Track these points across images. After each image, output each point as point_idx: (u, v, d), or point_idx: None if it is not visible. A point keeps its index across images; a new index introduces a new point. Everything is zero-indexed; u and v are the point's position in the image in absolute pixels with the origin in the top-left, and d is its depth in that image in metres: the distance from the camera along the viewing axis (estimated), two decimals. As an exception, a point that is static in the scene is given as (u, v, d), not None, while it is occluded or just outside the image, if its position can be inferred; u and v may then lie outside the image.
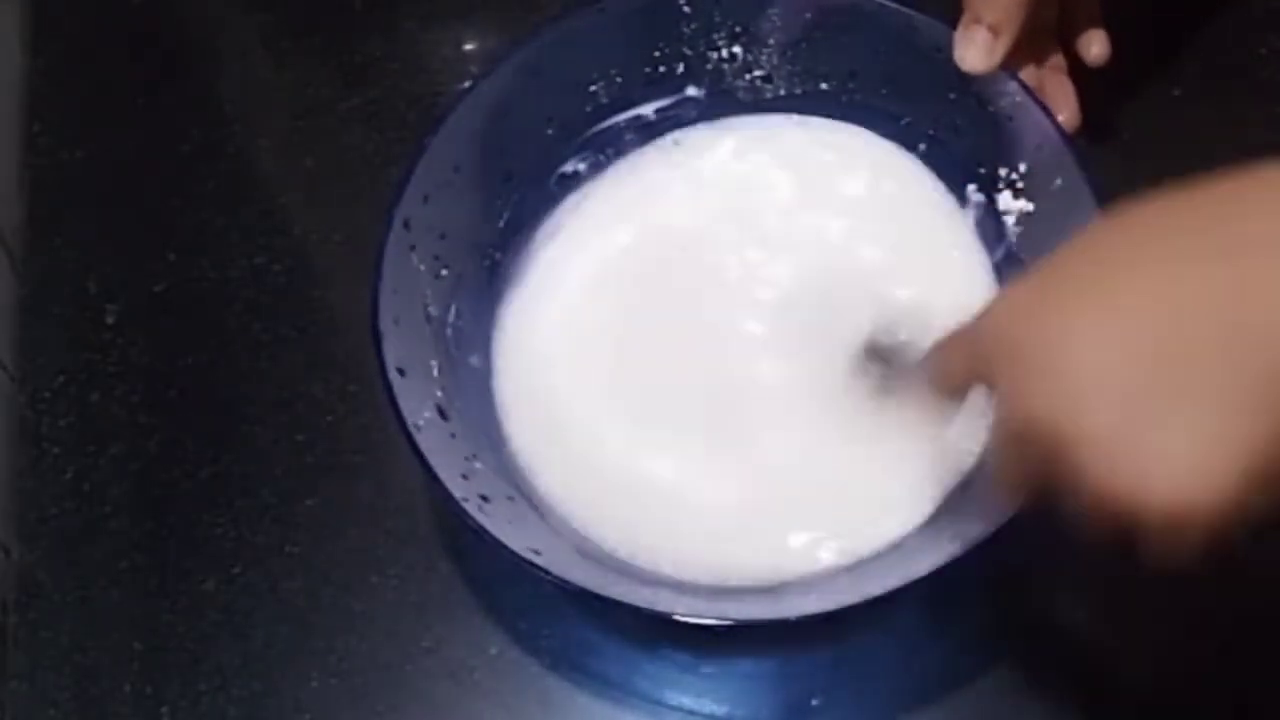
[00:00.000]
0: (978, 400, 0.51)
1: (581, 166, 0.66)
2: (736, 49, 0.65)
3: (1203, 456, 0.41)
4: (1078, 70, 0.65)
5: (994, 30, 0.59)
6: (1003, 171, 0.62)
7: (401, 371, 0.56)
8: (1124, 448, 0.41)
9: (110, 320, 0.68)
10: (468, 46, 0.75)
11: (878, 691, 0.59)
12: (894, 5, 0.62)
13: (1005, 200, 0.62)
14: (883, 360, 0.57)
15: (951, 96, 0.62)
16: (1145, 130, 0.69)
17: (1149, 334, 0.42)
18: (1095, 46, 0.65)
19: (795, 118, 0.66)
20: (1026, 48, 0.62)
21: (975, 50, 0.60)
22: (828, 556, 0.57)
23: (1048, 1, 0.63)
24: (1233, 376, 0.41)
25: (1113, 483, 0.42)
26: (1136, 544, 0.43)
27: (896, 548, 0.57)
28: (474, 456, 0.57)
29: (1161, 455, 0.41)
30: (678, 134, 0.66)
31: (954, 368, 0.50)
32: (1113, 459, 0.42)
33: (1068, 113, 0.63)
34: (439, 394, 0.58)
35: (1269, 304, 0.41)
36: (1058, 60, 0.65)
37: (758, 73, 0.66)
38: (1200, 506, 0.41)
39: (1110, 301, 0.43)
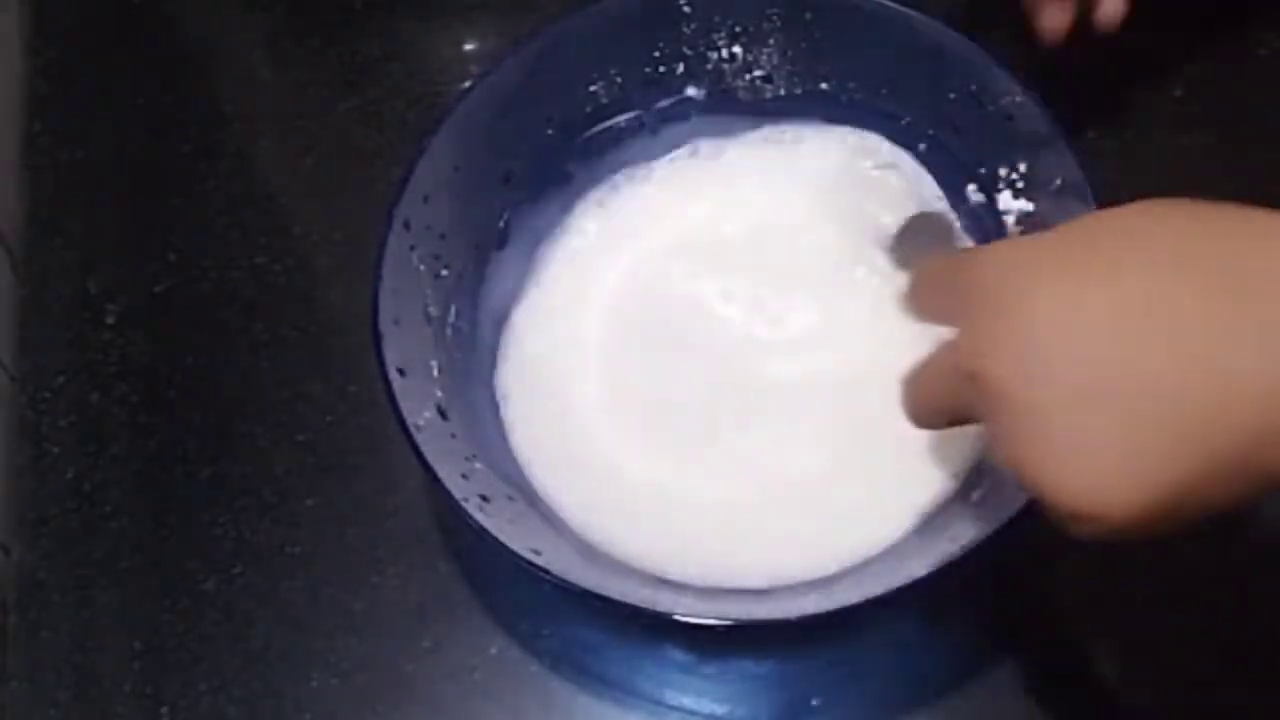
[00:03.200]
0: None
1: (581, 167, 0.66)
2: (736, 49, 0.65)
3: (1122, 472, 0.41)
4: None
5: None
6: (1003, 171, 0.62)
7: (402, 372, 0.56)
8: (1056, 432, 0.42)
9: (110, 320, 0.68)
10: (468, 46, 0.75)
11: (877, 692, 0.59)
12: (894, 5, 0.62)
13: (1005, 200, 0.62)
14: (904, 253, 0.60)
15: (951, 96, 0.62)
16: (1145, 130, 0.69)
17: (1119, 338, 0.42)
18: (1109, 5, 0.63)
19: (799, 126, 0.66)
20: None
21: (1053, 18, 0.61)
22: (827, 557, 0.57)
23: None
24: (1181, 409, 0.40)
25: (1028, 460, 0.42)
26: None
27: (895, 549, 0.57)
28: (474, 457, 0.57)
29: (1086, 454, 0.41)
30: (679, 138, 0.66)
31: (934, 296, 0.50)
32: (1039, 438, 0.42)
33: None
34: (439, 394, 0.58)
35: (1237, 352, 0.40)
36: None
37: (758, 73, 0.66)
38: (1101, 515, 0.41)
39: (1099, 292, 0.43)
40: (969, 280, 0.47)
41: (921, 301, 0.52)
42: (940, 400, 0.49)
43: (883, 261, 0.63)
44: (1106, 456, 0.41)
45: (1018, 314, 0.43)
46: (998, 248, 0.49)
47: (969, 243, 0.63)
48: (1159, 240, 0.43)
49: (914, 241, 0.62)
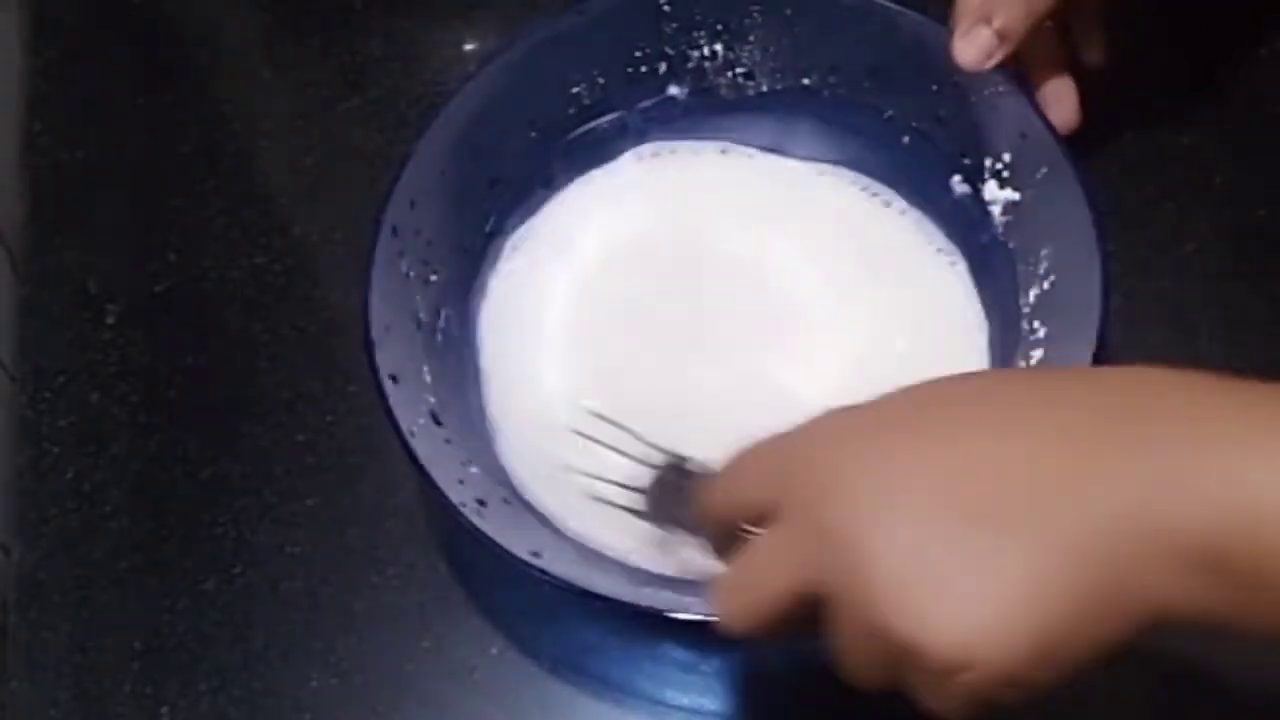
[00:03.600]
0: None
1: (566, 168, 0.66)
2: (717, 46, 0.65)
3: (995, 612, 0.39)
4: (1076, 68, 0.65)
5: (1001, 36, 0.59)
6: (987, 162, 0.62)
7: (394, 379, 0.56)
8: (918, 576, 0.40)
9: (110, 320, 0.68)
10: (468, 46, 0.75)
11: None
12: None
13: (991, 190, 0.62)
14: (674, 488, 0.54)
15: (934, 88, 0.62)
16: (1145, 130, 0.69)
17: (973, 478, 0.40)
18: (1093, 52, 0.65)
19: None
20: (1028, 44, 0.61)
21: (975, 50, 0.59)
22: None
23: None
24: (1046, 542, 0.39)
25: (893, 613, 0.40)
26: (900, 690, 0.42)
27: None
28: (469, 461, 0.57)
29: (955, 596, 0.39)
30: (661, 143, 0.67)
31: (743, 485, 0.47)
32: (902, 587, 0.40)
33: (1068, 111, 0.62)
34: (432, 400, 0.58)
35: (1103, 478, 0.39)
36: (1059, 57, 0.64)
37: (739, 70, 0.66)
38: (978, 661, 0.39)
39: (948, 442, 0.41)
40: (797, 456, 0.44)
41: (726, 500, 0.47)
42: (782, 590, 0.43)
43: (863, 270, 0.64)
44: (978, 597, 0.39)
45: (862, 472, 0.42)
46: (819, 421, 0.45)
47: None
48: (997, 396, 0.43)
49: (667, 496, 0.55)
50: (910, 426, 0.43)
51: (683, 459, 0.54)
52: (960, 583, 0.39)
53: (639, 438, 0.56)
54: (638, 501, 0.55)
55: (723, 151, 0.67)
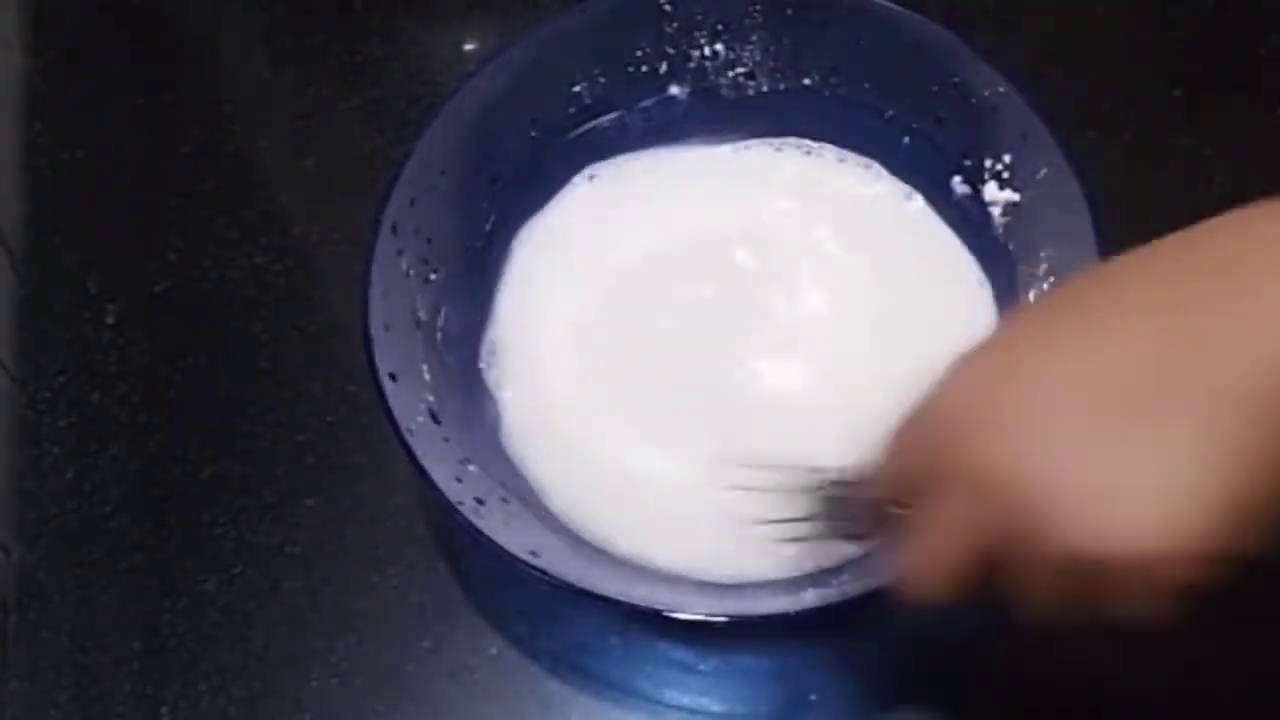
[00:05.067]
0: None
1: (566, 167, 0.66)
2: (719, 46, 0.65)
3: (1179, 489, 0.38)
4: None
5: None
6: (988, 163, 0.62)
7: (393, 376, 0.56)
8: (1090, 489, 0.39)
9: (110, 320, 0.68)
10: (468, 46, 0.75)
11: (875, 687, 0.59)
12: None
13: (991, 191, 0.62)
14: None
15: (935, 89, 0.62)
16: (1145, 130, 0.69)
17: (1112, 374, 0.40)
18: None
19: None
20: None
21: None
22: (825, 551, 0.57)
23: None
24: (1207, 404, 0.38)
25: (1079, 534, 0.39)
26: (1101, 616, 0.41)
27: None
28: (467, 460, 0.57)
29: (1134, 493, 0.38)
30: (661, 145, 0.67)
31: (896, 467, 0.46)
32: (1079, 506, 0.39)
33: None
34: (431, 398, 0.58)
35: (1244, 326, 0.39)
36: None
37: (740, 70, 0.66)
38: (1177, 546, 0.38)
39: (1073, 348, 0.41)
40: (945, 419, 0.44)
41: (892, 483, 0.47)
42: (962, 554, 0.43)
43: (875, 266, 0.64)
44: (1153, 486, 0.38)
45: (1014, 409, 0.41)
46: (951, 379, 0.44)
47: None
48: (1117, 286, 0.42)
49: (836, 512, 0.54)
50: (1029, 351, 0.42)
51: (829, 471, 0.52)
52: (1135, 478, 0.38)
53: (788, 467, 0.53)
54: (801, 528, 0.53)
55: (725, 148, 0.67)
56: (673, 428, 0.61)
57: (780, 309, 0.63)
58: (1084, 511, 0.39)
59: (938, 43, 0.61)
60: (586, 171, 0.66)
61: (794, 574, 0.57)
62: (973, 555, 0.43)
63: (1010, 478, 0.41)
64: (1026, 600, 0.42)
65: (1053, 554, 0.40)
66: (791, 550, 0.56)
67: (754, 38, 0.65)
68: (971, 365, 0.44)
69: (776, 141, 0.66)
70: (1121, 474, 0.39)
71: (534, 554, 0.54)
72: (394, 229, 0.59)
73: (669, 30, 0.65)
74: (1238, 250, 0.40)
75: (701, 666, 0.59)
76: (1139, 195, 0.67)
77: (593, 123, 0.66)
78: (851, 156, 0.66)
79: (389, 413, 0.55)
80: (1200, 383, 0.39)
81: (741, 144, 0.67)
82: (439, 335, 0.61)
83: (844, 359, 0.62)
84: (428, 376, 0.59)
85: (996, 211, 0.62)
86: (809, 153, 0.66)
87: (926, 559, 0.44)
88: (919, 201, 0.65)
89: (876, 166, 0.65)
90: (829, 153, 0.66)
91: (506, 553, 0.53)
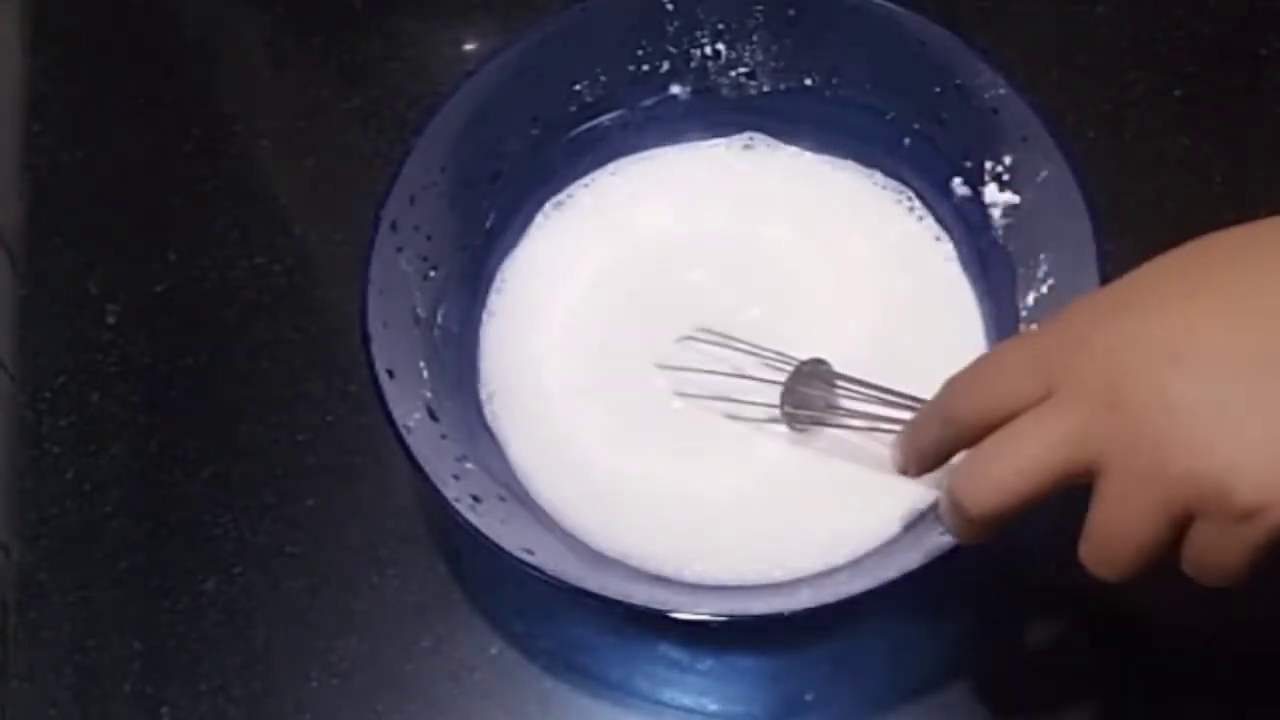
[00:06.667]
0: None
1: (567, 166, 0.66)
2: (720, 46, 0.65)
3: None
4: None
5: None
6: (988, 164, 0.62)
7: (391, 373, 0.56)
8: (1219, 423, 0.41)
9: (110, 320, 0.68)
10: (468, 46, 0.75)
11: (871, 687, 0.59)
12: (876, 0, 0.62)
13: (991, 193, 0.62)
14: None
15: (936, 90, 0.62)
16: (1145, 130, 0.69)
17: (1248, 325, 0.42)
18: None
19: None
20: None
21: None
22: (820, 551, 0.58)
23: None
24: None
25: (1198, 459, 0.41)
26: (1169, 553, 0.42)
27: (889, 543, 0.57)
28: (465, 457, 0.57)
29: (1257, 438, 0.40)
30: (663, 145, 0.67)
31: (1006, 380, 0.46)
32: (1206, 436, 0.41)
33: None
34: (428, 395, 0.58)
35: None
36: None
37: (741, 70, 0.66)
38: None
39: (1203, 296, 0.43)
40: (1072, 344, 0.45)
41: (973, 410, 0.47)
42: (1049, 471, 0.44)
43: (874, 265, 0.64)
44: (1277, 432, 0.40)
45: (1158, 329, 0.43)
46: (1076, 311, 0.46)
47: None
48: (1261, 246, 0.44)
49: (807, 387, 0.59)
50: (1169, 294, 0.44)
51: (808, 360, 0.59)
52: (1260, 424, 0.40)
53: (755, 349, 0.59)
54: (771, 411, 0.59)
55: (726, 148, 0.67)
56: (669, 428, 0.61)
57: (779, 309, 0.63)
58: (1212, 442, 0.41)
59: (938, 43, 0.61)
60: (587, 171, 0.66)
61: (790, 575, 0.57)
62: (1062, 468, 0.43)
63: (1145, 400, 0.42)
64: (1104, 520, 0.43)
65: (1166, 475, 0.41)
66: (628, 520, 0.58)
67: (755, 38, 0.65)
68: (1103, 302, 0.46)
69: (777, 142, 0.66)
70: (1252, 417, 0.40)
71: (530, 552, 0.54)
72: (393, 226, 0.59)
73: (670, 30, 0.65)
74: None
75: (699, 666, 0.59)
76: (1139, 195, 0.67)
77: (594, 122, 0.66)
78: (851, 160, 0.66)
79: (386, 409, 0.55)
80: None
81: (742, 144, 0.67)
82: (438, 333, 0.61)
83: (843, 359, 0.62)
84: (426, 374, 0.59)
85: (996, 213, 0.62)
86: (809, 153, 0.66)
87: (1007, 458, 0.44)
88: (918, 204, 0.65)
89: (876, 170, 0.65)
90: (829, 154, 0.66)
91: (503, 551, 0.53)
